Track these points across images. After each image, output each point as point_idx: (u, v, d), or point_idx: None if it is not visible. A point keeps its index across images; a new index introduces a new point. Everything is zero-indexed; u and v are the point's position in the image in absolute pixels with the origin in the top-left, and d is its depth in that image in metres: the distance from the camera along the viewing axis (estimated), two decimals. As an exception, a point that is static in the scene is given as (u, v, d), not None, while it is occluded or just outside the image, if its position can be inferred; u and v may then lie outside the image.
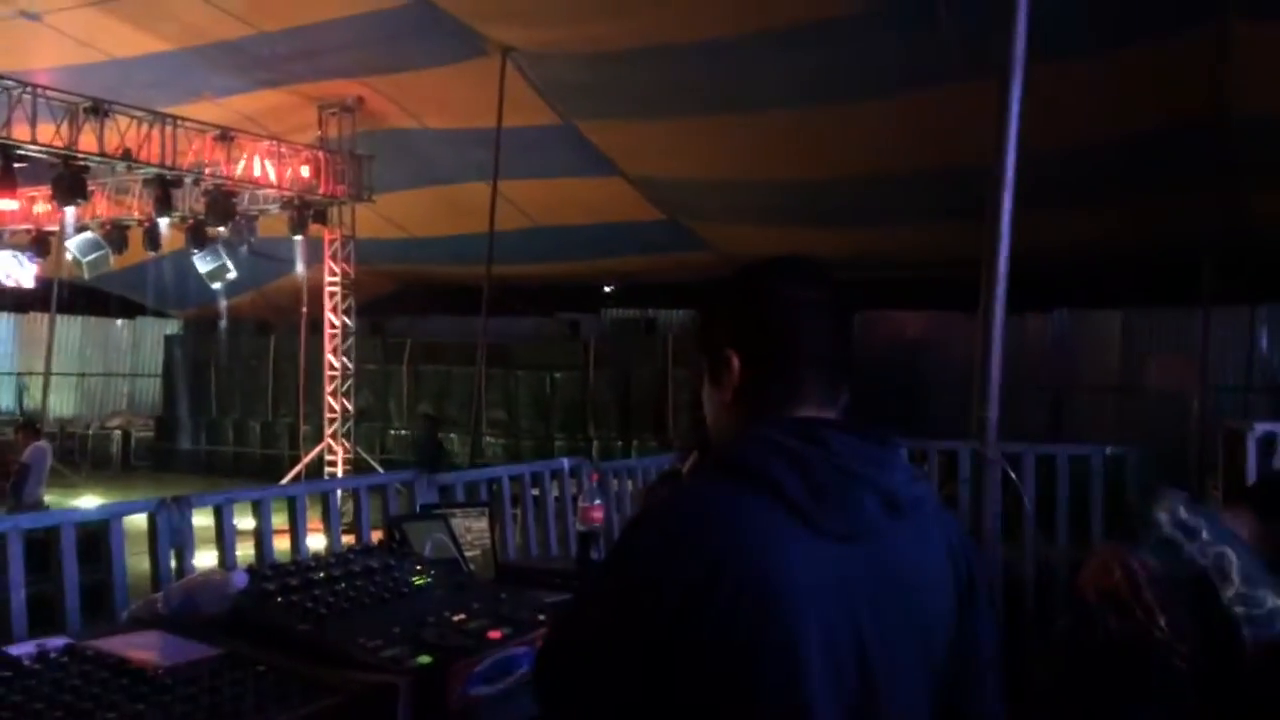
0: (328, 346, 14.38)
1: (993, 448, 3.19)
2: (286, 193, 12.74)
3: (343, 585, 2.10)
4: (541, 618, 2.08)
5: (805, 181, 11.92)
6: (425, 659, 1.83)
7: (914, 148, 10.55)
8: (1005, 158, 3.37)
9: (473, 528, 2.93)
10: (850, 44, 9.27)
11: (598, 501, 2.89)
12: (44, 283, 15.08)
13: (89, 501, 13.11)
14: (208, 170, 11.95)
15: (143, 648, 1.80)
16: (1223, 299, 10.64)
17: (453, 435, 15.58)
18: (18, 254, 14.38)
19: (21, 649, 1.73)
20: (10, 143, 10.27)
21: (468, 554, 2.74)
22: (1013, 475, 3.96)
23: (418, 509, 3.61)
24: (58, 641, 1.80)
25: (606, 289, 18.51)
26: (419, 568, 2.31)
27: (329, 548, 3.71)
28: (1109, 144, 10.03)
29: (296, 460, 14.68)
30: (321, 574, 2.13)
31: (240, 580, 2.02)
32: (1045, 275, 11.30)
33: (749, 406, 1.41)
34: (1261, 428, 5.02)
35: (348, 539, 4.39)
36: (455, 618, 2.04)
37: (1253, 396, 12.74)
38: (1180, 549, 2.61)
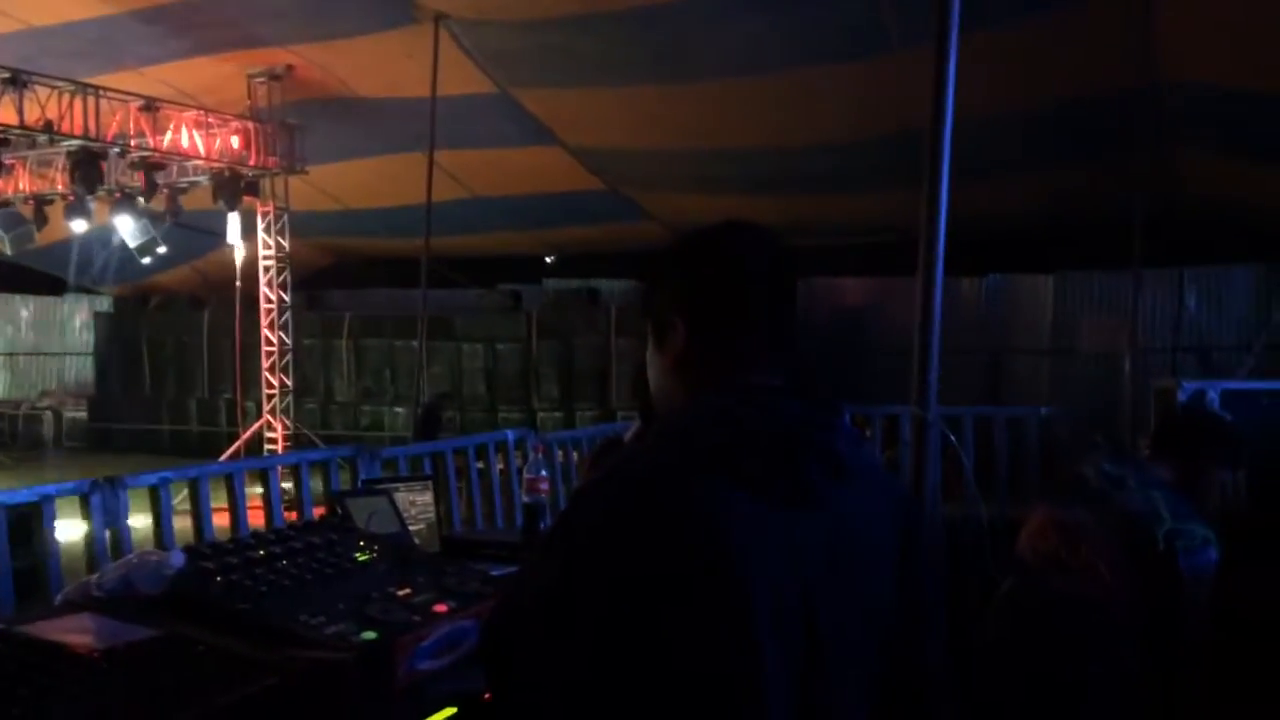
0: (264, 322, 14.14)
1: (933, 411, 3.24)
2: (216, 164, 12.44)
3: (284, 563, 2.07)
4: (488, 590, 2.07)
5: (746, 150, 11.94)
6: (370, 635, 1.81)
7: (852, 115, 10.62)
8: (942, 126, 3.39)
9: (417, 501, 2.91)
10: (789, 12, 9.27)
11: (543, 473, 2.88)
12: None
13: (20, 483, 12.79)
14: (133, 141, 11.62)
15: (77, 631, 1.75)
16: (1152, 262, 10.88)
17: (396, 409, 15.42)
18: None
19: (-51, 636, 1.68)
20: (-76, 115, 9.90)
21: (412, 528, 2.72)
22: (951, 438, 4.03)
23: (360, 484, 3.57)
24: (-12, 628, 1.75)
25: (548, 259, 18.41)
26: (362, 543, 2.28)
27: (269, 524, 3.66)
28: (1040, 110, 10.19)
29: (235, 438, 14.44)
30: (262, 551, 2.09)
31: (178, 560, 1.97)
32: (979, 241, 11.46)
33: (695, 373, 1.41)
34: (1190, 386, 5.19)
35: (289, 516, 4.34)
36: (400, 592, 2.02)
37: (1181, 355, 13.14)
38: (1110, 499, 2.72)
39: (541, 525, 2.75)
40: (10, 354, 20.86)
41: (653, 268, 1.50)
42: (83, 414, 19.31)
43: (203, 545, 2.11)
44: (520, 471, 4.60)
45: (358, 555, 2.20)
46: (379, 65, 11.46)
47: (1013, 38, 8.62)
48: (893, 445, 6.11)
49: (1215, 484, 2.87)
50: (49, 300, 21.16)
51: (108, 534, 3.14)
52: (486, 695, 1.50)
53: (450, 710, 1.86)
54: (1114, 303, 13.30)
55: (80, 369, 21.10)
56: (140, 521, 3.37)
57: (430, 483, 3.01)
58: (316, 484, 4.29)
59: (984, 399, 11.52)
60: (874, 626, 1.39)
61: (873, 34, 9.13)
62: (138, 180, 11.95)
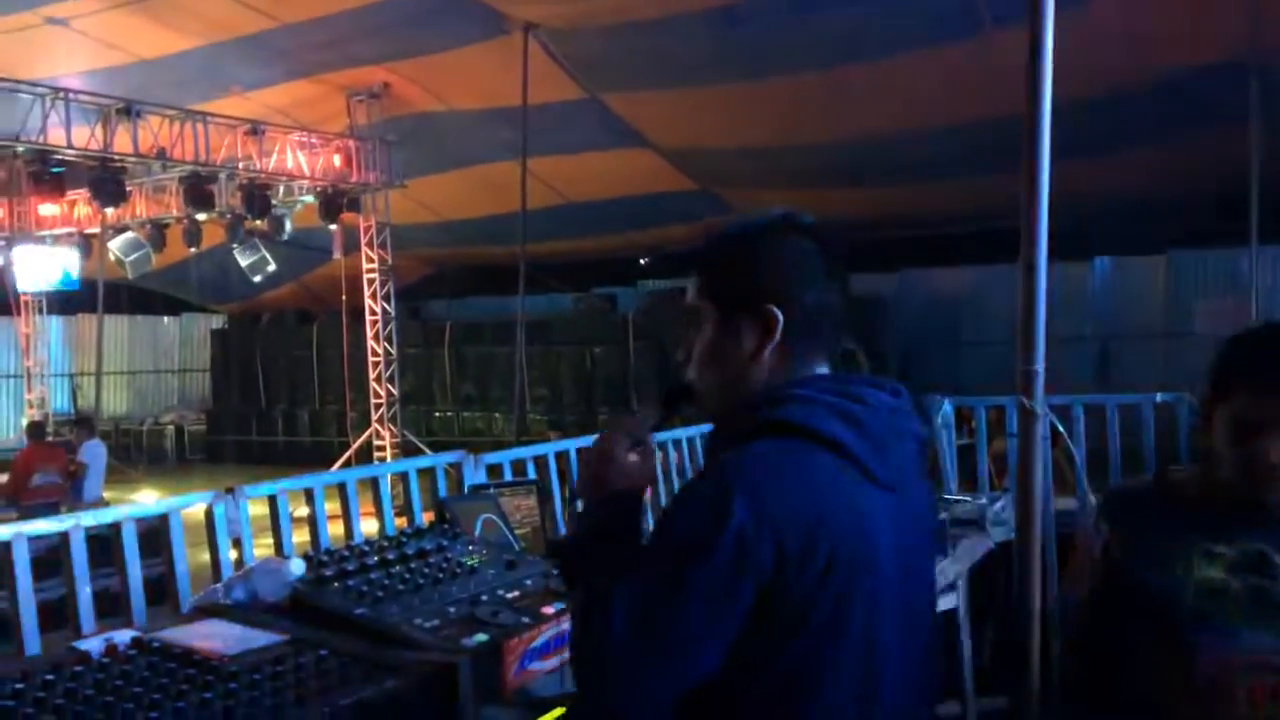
0: (369, 333, 14.51)
1: (1039, 401, 3.15)
2: (319, 183, 12.83)
3: (397, 568, 2.13)
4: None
5: (835, 142, 11.80)
6: (481, 637, 1.86)
7: (945, 102, 10.40)
8: (1040, 106, 3.30)
9: (521, 505, 2.96)
10: (874, 1, 9.14)
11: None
12: (90, 284, 15.34)
13: (147, 496, 13.38)
14: (241, 165, 12.06)
15: (207, 637, 1.84)
16: (1270, 238, 10.39)
17: (497, 415, 15.67)
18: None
19: (90, 643, 1.78)
20: (48, 148, 10.43)
21: (517, 532, 2.77)
22: (1060, 428, 3.91)
23: (466, 489, 3.64)
24: (125, 634, 1.84)
25: (642, 261, 18.47)
26: (470, 548, 2.33)
27: (381, 531, 3.76)
28: (1144, 85, 9.82)
29: (345, 447, 14.86)
30: (376, 558, 2.16)
31: (297, 567, 2.05)
32: (1084, 223, 11.11)
33: (777, 364, 1.42)
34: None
35: (399, 521, 4.44)
36: (508, 595, 2.07)
37: (1306, 335, 12.49)
38: None
39: (643, 526, 2.76)
40: (133, 372, 21.81)
41: (724, 257, 1.48)
42: (202, 428, 20.10)
43: (320, 553, 2.19)
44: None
45: (466, 559, 2.25)
46: (471, 78, 11.67)
47: (1111, 11, 8.34)
48: (999, 437, 5.96)
49: None
50: (167, 320, 22.11)
51: (230, 542, 3.26)
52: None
53: (560, 711, 1.89)
54: (1230, 282, 12.74)
55: (198, 385, 21.98)
56: (259, 528, 3.49)
57: (534, 486, 3.06)
58: (424, 489, 4.39)
59: (1094, 387, 11.16)
60: (930, 603, 1.56)
61: (964, 16, 8.93)
62: (247, 202, 12.39)
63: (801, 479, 1.31)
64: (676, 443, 4.89)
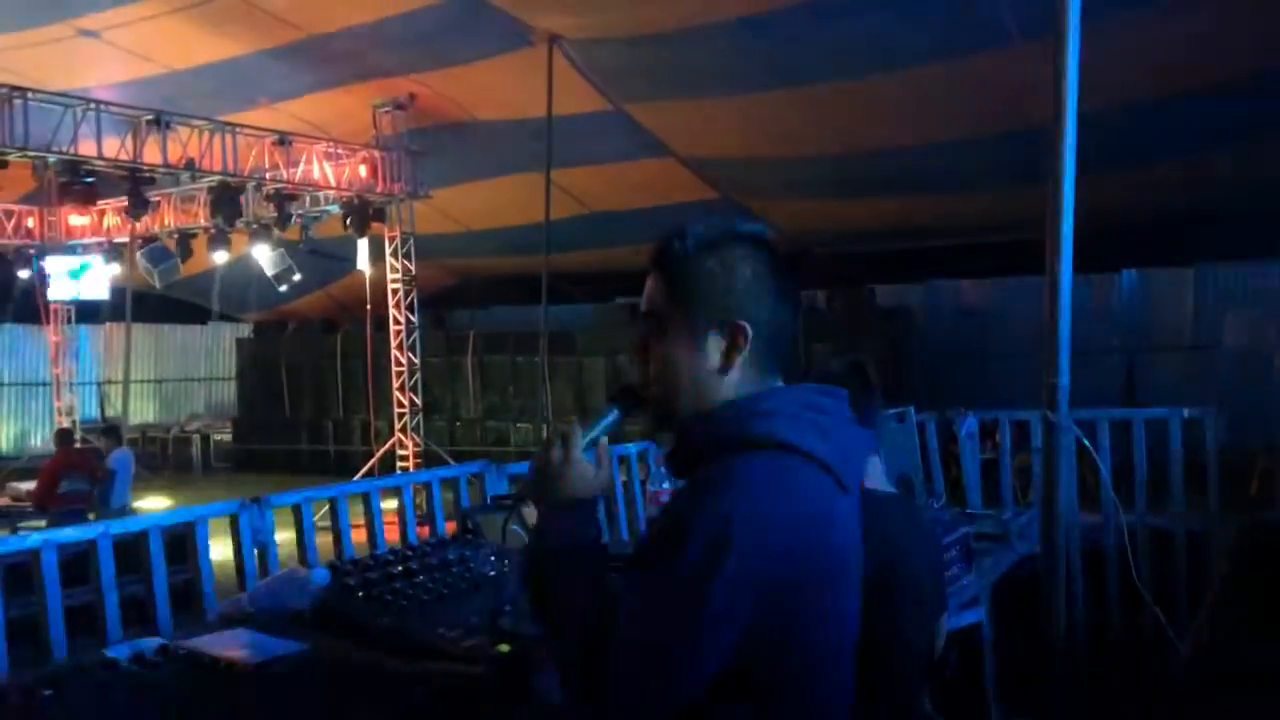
0: (393, 342, 14.57)
1: (1064, 415, 3.13)
2: (345, 193, 12.92)
3: (420, 578, 2.15)
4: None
5: (861, 152, 11.77)
6: (504, 647, 1.86)
7: (972, 112, 10.36)
8: (1065, 119, 3.29)
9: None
10: (900, 12, 9.12)
11: (665, 485, 2.90)
12: (118, 293, 15.51)
13: (173, 503, 13.49)
14: (268, 175, 12.16)
15: (232, 645, 1.85)
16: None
17: (520, 424, 15.67)
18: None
19: (118, 650, 1.80)
20: (79, 158, 10.56)
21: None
22: (1086, 443, 3.89)
23: (489, 500, 3.66)
24: (152, 642, 1.86)
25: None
26: (492, 558, 2.34)
27: (404, 540, 3.78)
28: (1171, 96, 9.75)
29: (369, 455, 14.92)
30: (399, 567, 2.17)
31: (322, 577, 2.07)
32: (1111, 235, 11.03)
33: (741, 376, 1.43)
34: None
35: (422, 531, 4.47)
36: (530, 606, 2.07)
37: (1336, 349, 12.35)
38: None
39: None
40: (160, 381, 22.01)
41: (689, 267, 1.46)
42: (228, 436, 20.25)
43: (344, 562, 2.21)
44: (643, 484, 4.62)
45: (489, 570, 2.26)
46: (496, 89, 11.73)
47: (1138, 23, 8.29)
48: (1024, 451, 5.92)
49: None
50: (194, 328, 22.29)
51: (255, 551, 3.29)
52: None
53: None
54: (1260, 295, 12.60)
55: (224, 393, 22.15)
56: (284, 536, 3.52)
57: (511, 501, 3.05)
58: (446, 498, 4.41)
59: (1120, 401, 11.07)
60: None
61: (990, 27, 8.90)
62: (273, 211, 12.49)
63: (793, 495, 1.35)
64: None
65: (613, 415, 1.55)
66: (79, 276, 14.77)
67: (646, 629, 1.29)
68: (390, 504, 4.27)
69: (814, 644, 1.37)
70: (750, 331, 1.41)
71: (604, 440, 1.53)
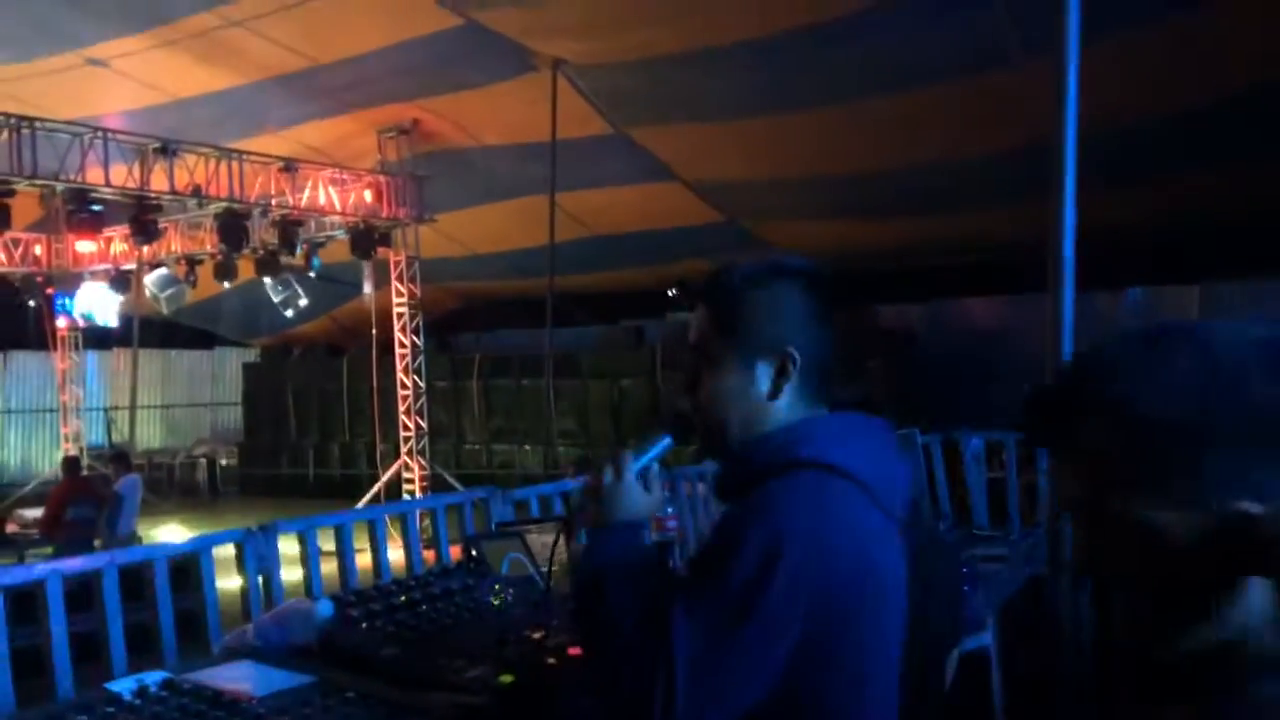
0: (399, 366, 14.61)
1: (1070, 436, 3.12)
2: (351, 218, 12.99)
3: (424, 608, 2.14)
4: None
5: (864, 173, 11.81)
6: (508, 678, 1.86)
7: (971, 133, 10.39)
8: (1065, 136, 3.30)
9: (549, 542, 2.95)
10: (900, 34, 9.16)
11: (670, 510, 2.89)
12: (125, 319, 15.58)
13: (179, 530, 13.50)
14: (274, 201, 12.23)
15: (236, 679, 1.85)
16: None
17: (526, 447, 15.65)
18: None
19: (122, 684, 1.80)
20: (86, 186, 10.63)
21: (545, 569, 2.77)
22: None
23: (494, 527, 3.65)
24: (156, 676, 1.86)
25: (670, 293, 18.49)
26: (497, 586, 2.34)
27: (409, 568, 3.78)
28: (1173, 112, 9.77)
29: (375, 479, 14.93)
30: (403, 598, 2.17)
31: (326, 608, 2.07)
32: (1115, 252, 11.02)
33: (789, 403, 1.49)
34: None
35: (428, 555, 4.47)
36: (535, 635, 2.07)
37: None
38: None
39: (672, 563, 2.75)
40: (167, 406, 22.06)
41: (739, 300, 1.51)
42: (235, 460, 20.28)
43: (349, 594, 2.21)
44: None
45: (493, 599, 2.26)
46: (500, 114, 11.80)
47: (1139, 40, 8.32)
48: (1029, 471, 5.90)
49: None
50: (200, 354, 22.36)
51: (260, 579, 3.29)
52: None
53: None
54: (1269, 313, 12.56)
55: (231, 418, 22.19)
56: (289, 562, 3.52)
57: (563, 523, 3.05)
58: (452, 523, 4.41)
59: (1128, 418, 10.99)
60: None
61: (993, 46, 8.94)
62: (279, 237, 12.55)
63: (841, 514, 1.38)
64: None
65: (665, 442, 1.57)
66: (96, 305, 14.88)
67: (697, 644, 1.30)
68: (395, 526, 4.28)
69: (861, 666, 1.40)
70: (798, 359, 1.47)
71: (654, 466, 1.56)
